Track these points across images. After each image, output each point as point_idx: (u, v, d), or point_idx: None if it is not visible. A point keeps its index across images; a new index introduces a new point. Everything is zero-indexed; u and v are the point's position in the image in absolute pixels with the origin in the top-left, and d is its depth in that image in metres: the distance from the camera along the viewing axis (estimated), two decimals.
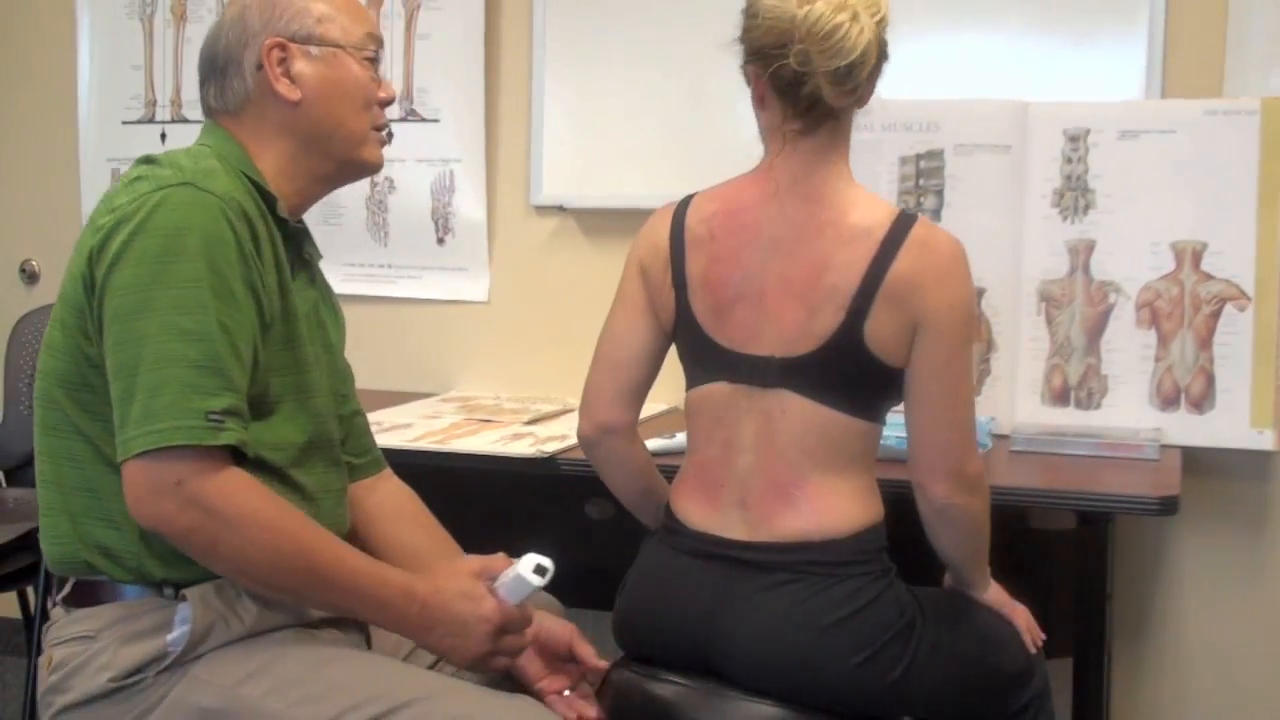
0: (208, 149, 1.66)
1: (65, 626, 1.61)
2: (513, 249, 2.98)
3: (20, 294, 3.36)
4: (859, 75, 1.64)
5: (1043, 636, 1.88)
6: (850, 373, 1.69)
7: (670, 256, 1.76)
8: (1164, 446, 2.30)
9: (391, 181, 3.03)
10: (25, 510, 2.62)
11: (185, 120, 3.19)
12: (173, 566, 1.57)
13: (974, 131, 2.46)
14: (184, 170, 1.57)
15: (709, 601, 1.73)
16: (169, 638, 1.56)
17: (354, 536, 1.78)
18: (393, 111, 2.94)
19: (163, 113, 3.22)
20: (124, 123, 3.25)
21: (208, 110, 1.74)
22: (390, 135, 1.79)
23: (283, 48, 1.68)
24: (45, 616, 1.71)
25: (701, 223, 1.76)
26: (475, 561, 1.68)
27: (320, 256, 1.80)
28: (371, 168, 1.78)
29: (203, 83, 1.74)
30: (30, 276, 3.39)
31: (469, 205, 2.99)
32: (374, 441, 1.93)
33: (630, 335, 1.82)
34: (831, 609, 1.68)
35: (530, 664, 1.76)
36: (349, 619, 1.68)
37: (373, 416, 2.55)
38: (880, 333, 1.67)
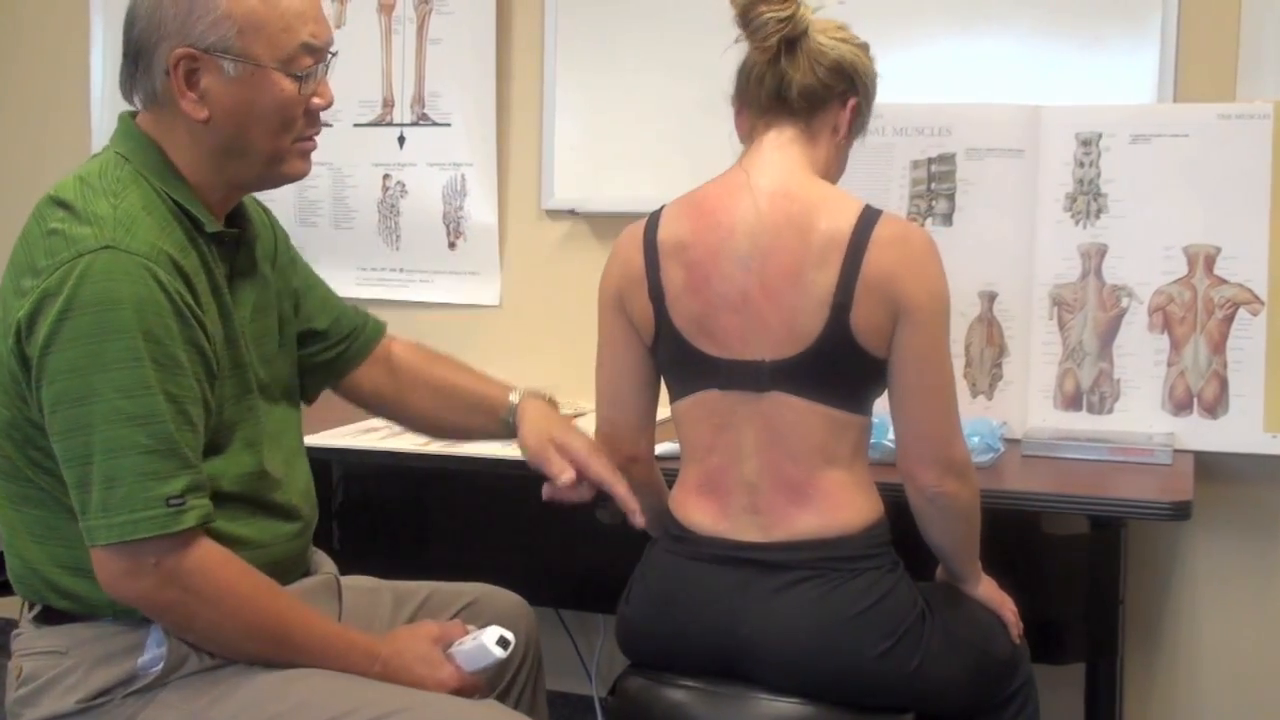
0: (127, 164, 1.54)
1: (35, 639, 1.59)
2: (524, 253, 2.98)
3: None
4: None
5: (1022, 627, 1.90)
6: (841, 368, 1.70)
7: (645, 269, 1.77)
8: (1177, 451, 2.29)
9: (403, 185, 3.03)
10: None
11: None
12: None
13: (986, 135, 2.46)
14: (104, 225, 1.45)
15: (727, 605, 1.73)
16: (140, 661, 1.54)
17: (399, 406, 1.86)
18: (404, 115, 3.02)
19: None
20: None
21: (126, 95, 1.59)
22: (315, 144, 1.64)
23: (193, 59, 1.50)
24: None
25: (674, 230, 1.76)
26: (434, 627, 1.68)
27: (258, 234, 1.69)
28: (291, 180, 1.64)
29: (122, 61, 1.57)
30: None
31: (480, 209, 2.99)
32: (359, 309, 1.90)
33: (626, 370, 1.84)
34: (852, 601, 1.69)
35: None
36: None
37: (383, 419, 2.57)
38: (866, 325, 1.68)
